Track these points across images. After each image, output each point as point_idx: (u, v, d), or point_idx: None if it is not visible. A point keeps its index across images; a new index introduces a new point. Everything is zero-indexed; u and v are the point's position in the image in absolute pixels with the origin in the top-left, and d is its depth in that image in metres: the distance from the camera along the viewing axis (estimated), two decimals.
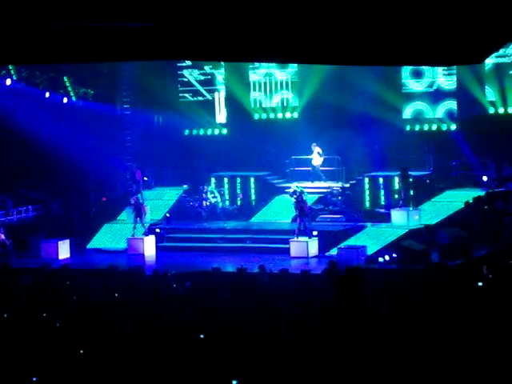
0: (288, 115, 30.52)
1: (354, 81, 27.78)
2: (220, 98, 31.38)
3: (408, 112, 29.01)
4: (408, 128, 28.88)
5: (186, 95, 31.62)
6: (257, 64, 30.65)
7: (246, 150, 30.16)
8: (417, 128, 28.86)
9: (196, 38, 9.09)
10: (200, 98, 31.56)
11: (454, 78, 28.08)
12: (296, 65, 30.06)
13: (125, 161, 30.86)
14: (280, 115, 30.67)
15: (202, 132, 31.67)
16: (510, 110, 27.60)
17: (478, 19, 8.45)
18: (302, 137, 29.01)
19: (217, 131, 31.55)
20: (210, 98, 31.47)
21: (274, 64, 30.28)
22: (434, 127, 28.64)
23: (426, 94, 28.70)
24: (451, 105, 28.35)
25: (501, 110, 27.62)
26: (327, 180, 28.57)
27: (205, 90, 31.41)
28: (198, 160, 30.54)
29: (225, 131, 31.39)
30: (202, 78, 31.49)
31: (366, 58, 10.09)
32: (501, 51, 27.08)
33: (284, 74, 30.54)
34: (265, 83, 30.80)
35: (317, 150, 28.51)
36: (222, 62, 30.70)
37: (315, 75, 29.06)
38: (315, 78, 29.09)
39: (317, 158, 28.56)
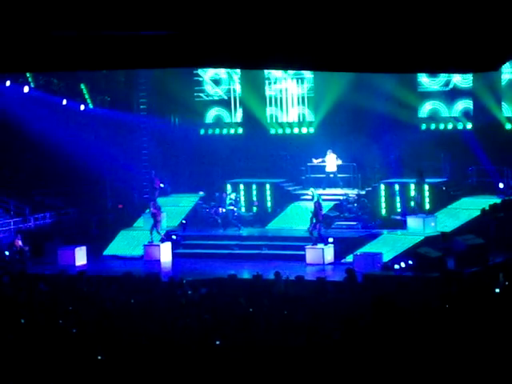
0: (304, 130, 30.53)
1: (371, 82, 27.73)
2: (236, 97, 31.29)
3: (424, 111, 28.91)
4: (424, 127, 28.82)
5: (201, 95, 31.62)
6: (272, 79, 30.67)
7: (262, 157, 30.26)
8: (432, 127, 28.79)
9: (215, 46, 9.14)
10: (215, 98, 31.57)
11: (470, 76, 28.01)
12: (312, 78, 30.10)
13: (141, 167, 30.97)
14: (296, 130, 30.69)
15: (217, 131, 31.68)
16: None
17: (493, 26, 8.45)
18: (318, 144, 29.06)
19: (232, 130, 31.54)
20: (226, 97, 31.47)
21: (290, 76, 30.36)
22: (450, 126, 28.58)
23: (442, 92, 28.67)
24: (467, 104, 28.26)
25: None
26: (344, 187, 28.55)
27: (220, 88, 31.37)
28: (214, 166, 30.57)
29: (240, 131, 31.35)
30: (218, 77, 31.53)
31: (382, 65, 10.11)
32: None
33: (300, 88, 30.53)
34: (281, 98, 30.82)
35: (332, 156, 28.48)
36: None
37: (330, 89, 29.09)
38: (331, 91, 29.11)
39: (332, 164, 28.51)
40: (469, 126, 28.22)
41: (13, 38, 8.76)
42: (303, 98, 30.59)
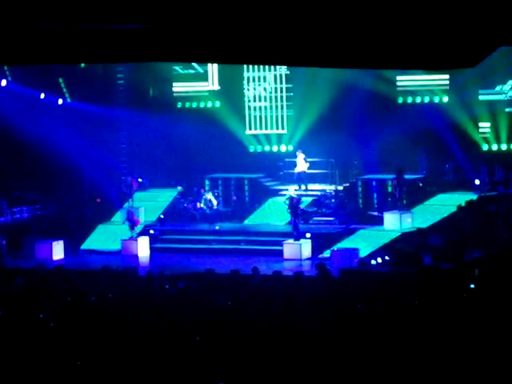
0: (283, 148, 30.54)
1: (348, 78, 27.85)
2: (213, 69, 31.09)
3: (400, 83, 28.94)
4: (400, 100, 28.92)
5: (177, 68, 31.44)
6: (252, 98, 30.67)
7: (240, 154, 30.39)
8: (409, 100, 28.89)
9: (192, 41, 9.16)
10: (191, 71, 31.42)
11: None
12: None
13: (119, 162, 30.91)
14: (275, 148, 30.70)
15: (194, 105, 31.55)
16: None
17: (470, 23, 8.53)
18: (295, 140, 29.22)
19: (210, 104, 31.37)
20: (202, 71, 31.31)
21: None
22: (427, 99, 28.71)
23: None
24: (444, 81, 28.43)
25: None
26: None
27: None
28: (192, 160, 30.57)
29: (217, 104, 31.21)
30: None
31: (359, 61, 10.19)
32: (497, 88, 27.34)
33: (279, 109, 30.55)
34: (260, 117, 30.84)
35: (301, 156, 28.60)
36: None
37: (307, 87, 29.25)
38: (307, 88, 29.26)
39: (302, 165, 28.65)
40: (445, 99, 28.33)
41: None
42: (282, 118, 30.65)
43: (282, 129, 30.72)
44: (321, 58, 9.95)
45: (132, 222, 27.03)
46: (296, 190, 27.40)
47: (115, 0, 8.29)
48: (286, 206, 25.88)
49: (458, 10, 8.45)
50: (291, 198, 25.95)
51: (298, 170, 28.70)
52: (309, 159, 28.65)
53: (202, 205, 28.03)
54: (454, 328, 12.06)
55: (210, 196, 28.09)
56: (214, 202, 27.93)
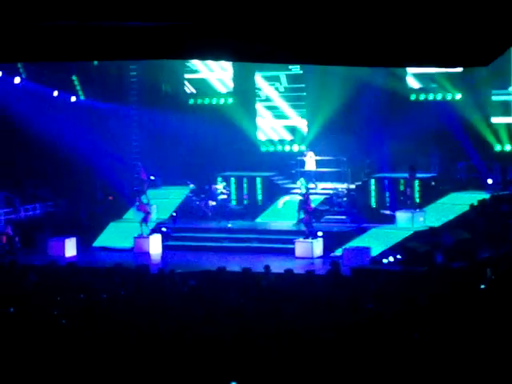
0: (295, 148, 30.55)
1: (361, 77, 27.81)
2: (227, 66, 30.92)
3: (412, 81, 28.84)
4: (413, 97, 28.85)
5: (190, 65, 31.26)
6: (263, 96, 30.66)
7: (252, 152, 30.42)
8: (421, 97, 28.83)
9: (206, 38, 9.16)
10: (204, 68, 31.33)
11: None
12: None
13: (132, 159, 31.00)
14: (287, 147, 30.69)
15: (207, 101, 31.57)
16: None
17: (484, 21, 8.49)
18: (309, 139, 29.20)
19: (222, 101, 31.42)
20: (215, 68, 31.20)
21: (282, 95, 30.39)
22: (439, 97, 28.64)
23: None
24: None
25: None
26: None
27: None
28: (205, 158, 30.60)
29: (230, 100, 31.22)
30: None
31: (371, 58, 10.16)
32: (510, 89, 27.27)
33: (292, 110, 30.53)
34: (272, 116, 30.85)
35: (309, 154, 28.61)
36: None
37: (322, 86, 29.23)
38: (322, 87, 29.25)
39: (311, 163, 28.64)
40: (458, 96, 28.27)
41: (1, 27, 8.78)
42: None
43: (293, 131, 30.67)
44: (333, 56, 9.93)
45: (144, 212, 27.03)
46: (310, 189, 27.36)
47: None
48: (298, 202, 25.94)
49: (471, 7, 8.42)
50: (303, 195, 25.99)
51: (307, 168, 28.69)
52: (321, 157, 28.64)
53: (215, 201, 28.05)
54: (465, 327, 12.04)
55: (222, 187, 28.18)
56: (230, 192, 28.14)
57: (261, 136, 30.97)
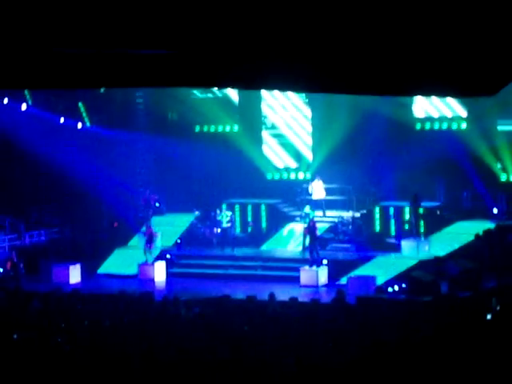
0: (301, 176, 30.63)
1: (366, 106, 27.90)
2: (233, 94, 31.07)
3: (418, 109, 28.92)
4: (418, 126, 28.90)
5: (196, 92, 31.51)
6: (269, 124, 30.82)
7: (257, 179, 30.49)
8: (427, 127, 28.88)
9: (215, 66, 9.20)
10: (210, 96, 31.57)
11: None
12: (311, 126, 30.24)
13: (137, 186, 31.04)
14: (293, 175, 30.79)
15: (212, 129, 31.64)
16: None
17: (490, 50, 8.50)
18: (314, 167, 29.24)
19: (228, 128, 31.52)
20: (221, 95, 31.43)
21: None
22: (445, 126, 28.68)
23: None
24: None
25: None
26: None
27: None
28: (210, 186, 30.65)
29: (236, 128, 31.35)
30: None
31: (376, 87, 10.17)
32: None
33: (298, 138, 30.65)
34: (278, 144, 30.99)
35: (320, 183, 28.58)
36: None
37: (328, 114, 29.36)
38: (328, 116, 29.37)
39: (319, 192, 28.59)
40: (463, 125, 28.32)
41: (12, 54, 8.83)
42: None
43: (299, 158, 30.75)
44: (339, 85, 9.96)
45: (149, 236, 27.04)
46: (315, 215, 27.36)
47: (140, 25, 8.34)
48: (303, 230, 25.94)
49: (477, 37, 8.43)
50: (310, 221, 25.99)
51: (316, 197, 28.65)
52: (326, 185, 28.66)
53: (220, 228, 28.06)
54: (471, 358, 11.97)
55: (229, 214, 28.21)
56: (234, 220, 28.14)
57: (266, 163, 31.02)
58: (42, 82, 10.76)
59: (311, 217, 26.53)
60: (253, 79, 9.79)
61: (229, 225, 28.18)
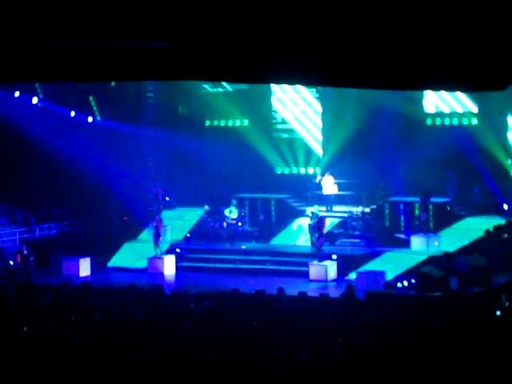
0: (311, 170, 30.62)
1: (376, 100, 27.84)
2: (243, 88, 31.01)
3: (428, 105, 28.86)
4: (429, 122, 28.85)
5: (206, 86, 31.56)
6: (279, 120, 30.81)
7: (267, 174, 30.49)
8: (438, 122, 28.82)
9: (211, 58, 9.19)
10: (220, 90, 31.59)
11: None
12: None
13: (147, 180, 31.09)
14: (303, 170, 30.79)
15: (222, 123, 31.64)
16: None
17: (501, 44, 8.47)
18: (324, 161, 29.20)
19: (238, 122, 31.52)
20: (231, 89, 31.45)
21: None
22: (456, 121, 28.61)
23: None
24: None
25: None
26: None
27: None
28: (220, 179, 30.67)
29: (246, 122, 31.31)
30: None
31: (385, 81, 10.14)
32: None
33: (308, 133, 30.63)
34: (288, 139, 30.97)
35: (330, 179, 28.55)
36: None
37: (337, 109, 29.33)
38: (337, 111, 29.33)
39: (329, 187, 28.57)
40: (474, 121, 28.25)
41: (14, 46, 8.86)
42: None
43: (308, 154, 30.75)
44: (348, 78, 9.93)
45: (157, 229, 27.09)
46: (321, 211, 27.37)
47: (133, 18, 8.34)
48: (310, 225, 25.94)
49: (487, 31, 8.41)
50: (318, 218, 25.98)
51: (326, 192, 28.64)
52: (336, 180, 28.65)
53: (228, 220, 28.09)
54: (480, 355, 11.95)
55: (234, 213, 28.19)
56: (235, 211, 28.09)
57: (276, 158, 31.03)
58: (39, 75, 10.77)
59: (318, 215, 26.45)
60: (255, 73, 9.76)
61: (233, 221, 28.17)
